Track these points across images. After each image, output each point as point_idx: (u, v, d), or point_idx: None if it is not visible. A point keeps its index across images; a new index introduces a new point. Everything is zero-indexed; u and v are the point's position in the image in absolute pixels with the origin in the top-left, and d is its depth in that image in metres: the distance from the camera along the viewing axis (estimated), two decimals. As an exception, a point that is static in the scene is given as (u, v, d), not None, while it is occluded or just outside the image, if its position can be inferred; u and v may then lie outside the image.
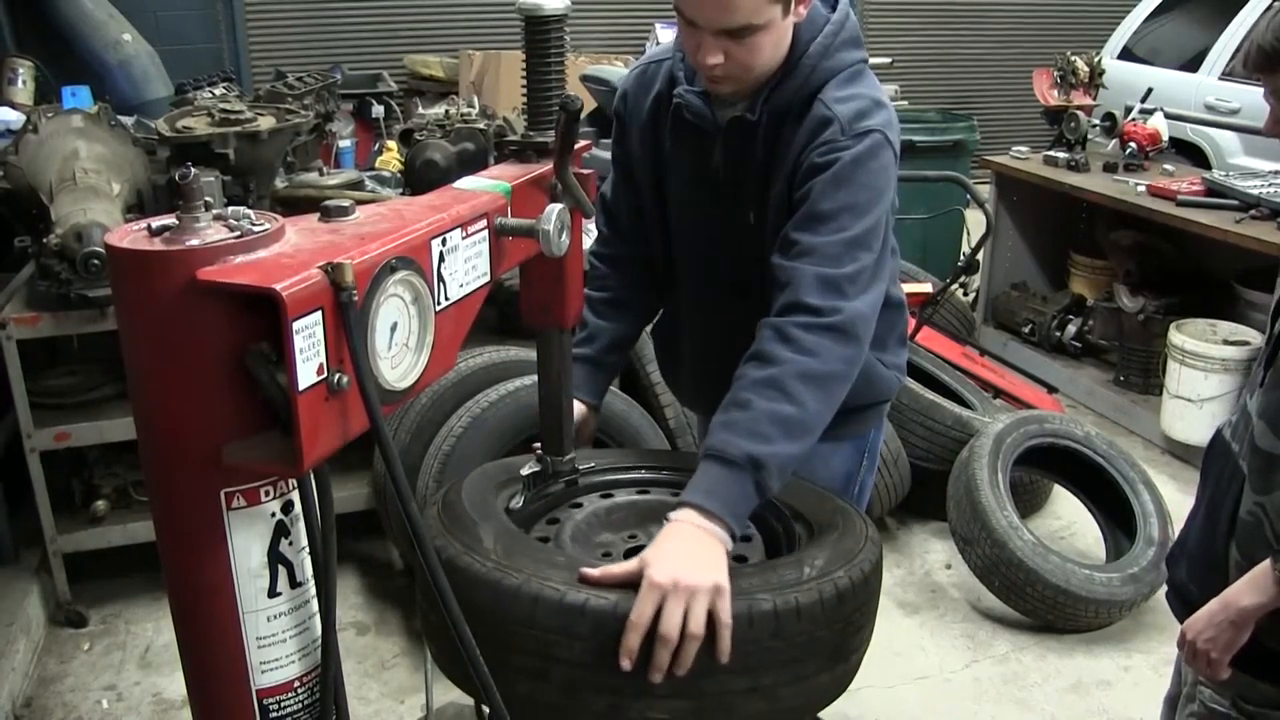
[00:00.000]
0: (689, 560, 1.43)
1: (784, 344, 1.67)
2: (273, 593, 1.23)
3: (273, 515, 1.21)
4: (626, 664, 1.36)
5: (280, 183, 3.60)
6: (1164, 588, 2.04)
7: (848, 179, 1.77)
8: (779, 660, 1.47)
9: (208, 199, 1.14)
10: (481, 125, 3.85)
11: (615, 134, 2.14)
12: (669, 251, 2.14)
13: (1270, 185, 4.52)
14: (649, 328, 2.37)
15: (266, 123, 3.39)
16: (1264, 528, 1.67)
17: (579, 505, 1.85)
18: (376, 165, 4.31)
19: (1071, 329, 5.30)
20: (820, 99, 1.84)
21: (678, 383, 2.37)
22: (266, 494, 1.20)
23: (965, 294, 5.83)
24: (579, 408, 2.01)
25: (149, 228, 1.13)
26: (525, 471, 1.87)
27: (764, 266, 1.87)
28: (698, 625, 1.39)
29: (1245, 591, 1.66)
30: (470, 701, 2.03)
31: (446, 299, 1.36)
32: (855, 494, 2.23)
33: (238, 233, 1.14)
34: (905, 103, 6.71)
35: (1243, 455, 1.74)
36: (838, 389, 1.69)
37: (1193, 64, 6.67)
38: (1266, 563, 1.63)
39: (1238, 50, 6.74)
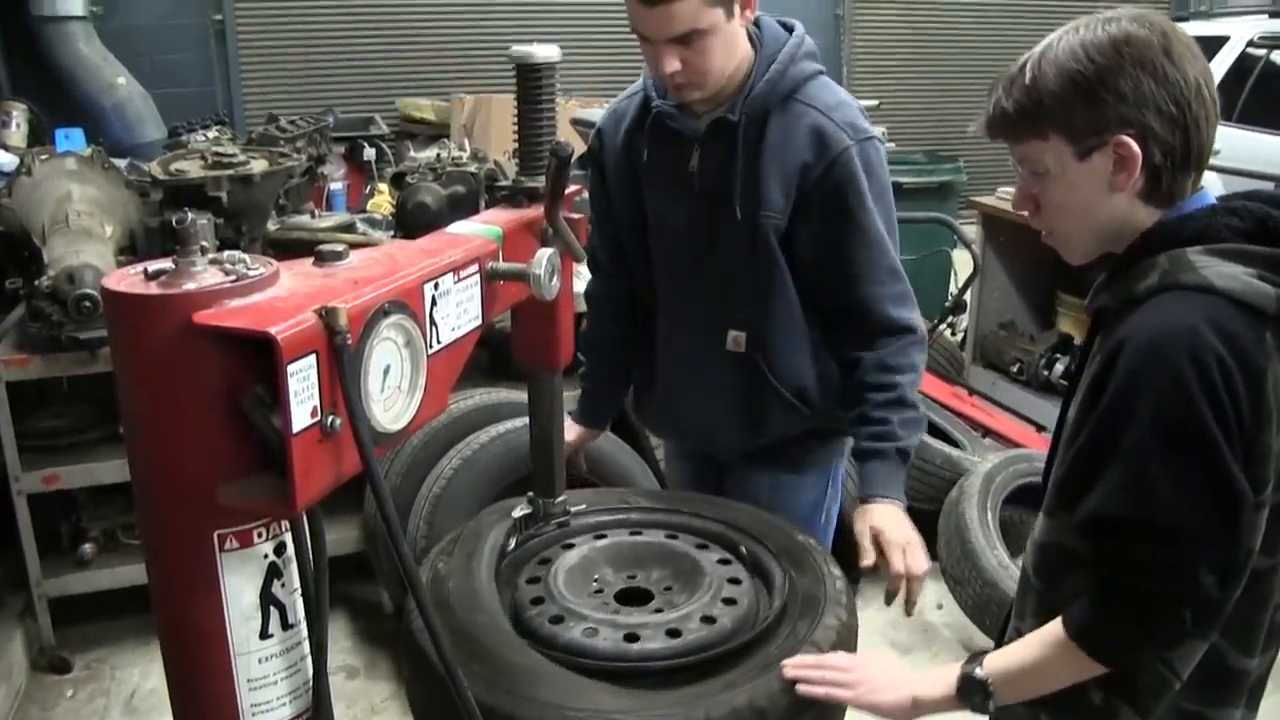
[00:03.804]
0: (906, 526, 2.01)
1: (893, 373, 2.05)
2: (265, 634, 1.23)
3: (265, 557, 1.21)
4: (911, 612, 1.97)
5: (272, 225, 3.61)
6: None
7: (877, 191, 2.02)
8: None
9: (204, 243, 1.16)
10: (473, 168, 3.88)
11: (592, 172, 2.26)
12: (649, 275, 2.22)
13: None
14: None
15: (259, 166, 3.42)
16: None
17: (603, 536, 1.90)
18: (368, 208, 4.34)
19: (1060, 368, 5.31)
20: (803, 102, 2.00)
21: (647, 406, 2.40)
22: (259, 535, 1.20)
23: (953, 334, 5.86)
24: (573, 427, 2.32)
25: (145, 271, 1.14)
26: (517, 514, 1.87)
27: (747, 262, 2.05)
28: (923, 567, 1.95)
29: (932, 683, 1.54)
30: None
31: (439, 342, 1.37)
32: (823, 523, 2.31)
33: (233, 276, 1.15)
34: (893, 144, 6.74)
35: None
36: (922, 378, 2.13)
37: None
38: (956, 665, 1.52)
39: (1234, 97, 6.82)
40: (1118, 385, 1.30)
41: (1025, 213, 1.48)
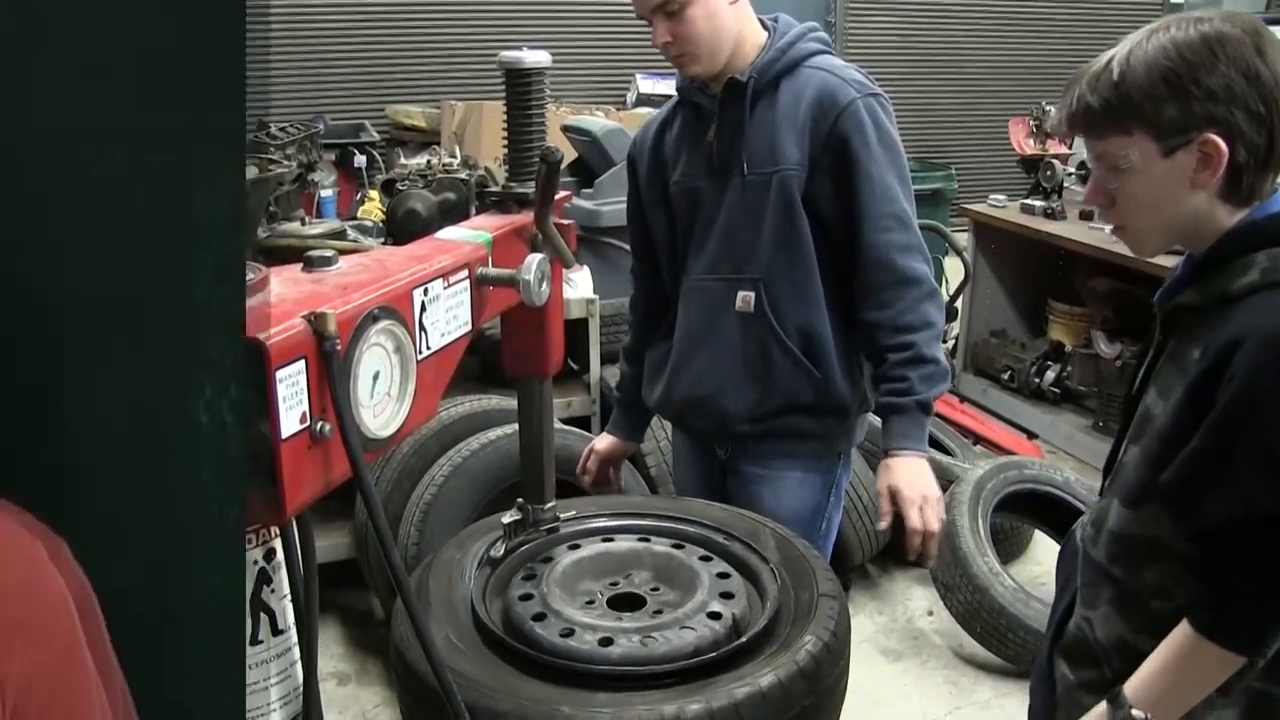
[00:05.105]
0: (924, 481, 2.07)
1: (907, 331, 2.10)
2: (254, 640, 1.23)
3: (255, 563, 1.21)
4: (932, 563, 1.97)
5: (262, 232, 3.61)
6: None
7: (885, 142, 2.13)
8: None
9: (192, 249, 1.15)
10: (463, 175, 3.88)
11: (629, 177, 2.41)
12: (673, 255, 2.32)
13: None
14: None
15: (249, 173, 3.41)
16: (1089, 644, 1.57)
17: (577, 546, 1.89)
18: (359, 215, 4.33)
19: (1050, 375, 5.34)
20: (810, 67, 2.15)
21: (655, 385, 2.40)
22: (249, 541, 1.20)
23: (944, 341, 5.88)
24: (605, 438, 2.51)
25: (134, 278, 1.14)
26: (505, 520, 1.87)
27: (762, 222, 2.14)
28: (939, 523, 2.05)
29: None
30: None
31: (428, 348, 1.37)
32: (823, 529, 2.31)
33: (222, 282, 1.15)
34: (883, 152, 6.78)
35: (1079, 564, 1.63)
36: (941, 330, 2.17)
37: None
38: (1102, 705, 1.49)
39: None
40: (1241, 386, 1.31)
41: (1097, 207, 1.50)
